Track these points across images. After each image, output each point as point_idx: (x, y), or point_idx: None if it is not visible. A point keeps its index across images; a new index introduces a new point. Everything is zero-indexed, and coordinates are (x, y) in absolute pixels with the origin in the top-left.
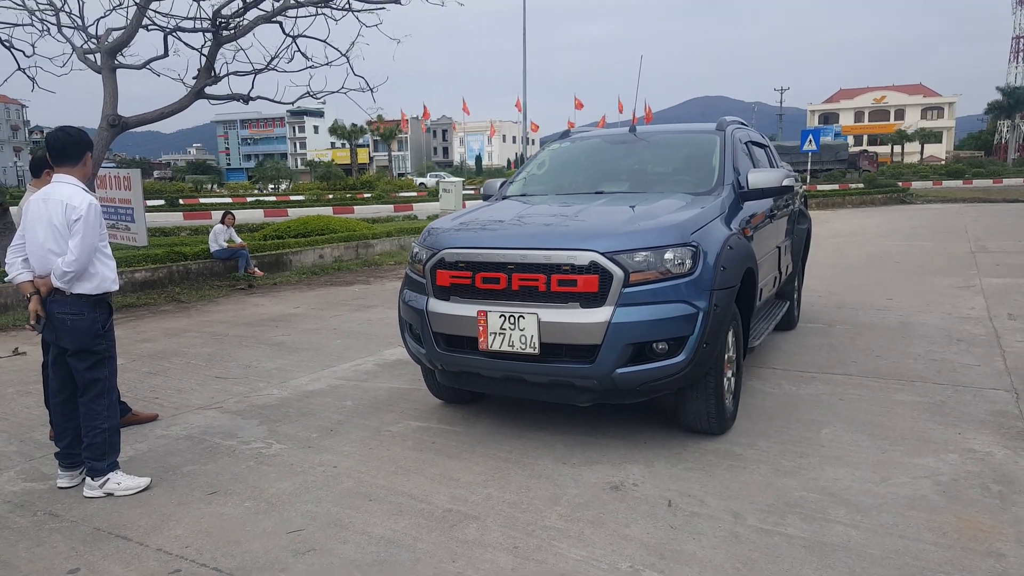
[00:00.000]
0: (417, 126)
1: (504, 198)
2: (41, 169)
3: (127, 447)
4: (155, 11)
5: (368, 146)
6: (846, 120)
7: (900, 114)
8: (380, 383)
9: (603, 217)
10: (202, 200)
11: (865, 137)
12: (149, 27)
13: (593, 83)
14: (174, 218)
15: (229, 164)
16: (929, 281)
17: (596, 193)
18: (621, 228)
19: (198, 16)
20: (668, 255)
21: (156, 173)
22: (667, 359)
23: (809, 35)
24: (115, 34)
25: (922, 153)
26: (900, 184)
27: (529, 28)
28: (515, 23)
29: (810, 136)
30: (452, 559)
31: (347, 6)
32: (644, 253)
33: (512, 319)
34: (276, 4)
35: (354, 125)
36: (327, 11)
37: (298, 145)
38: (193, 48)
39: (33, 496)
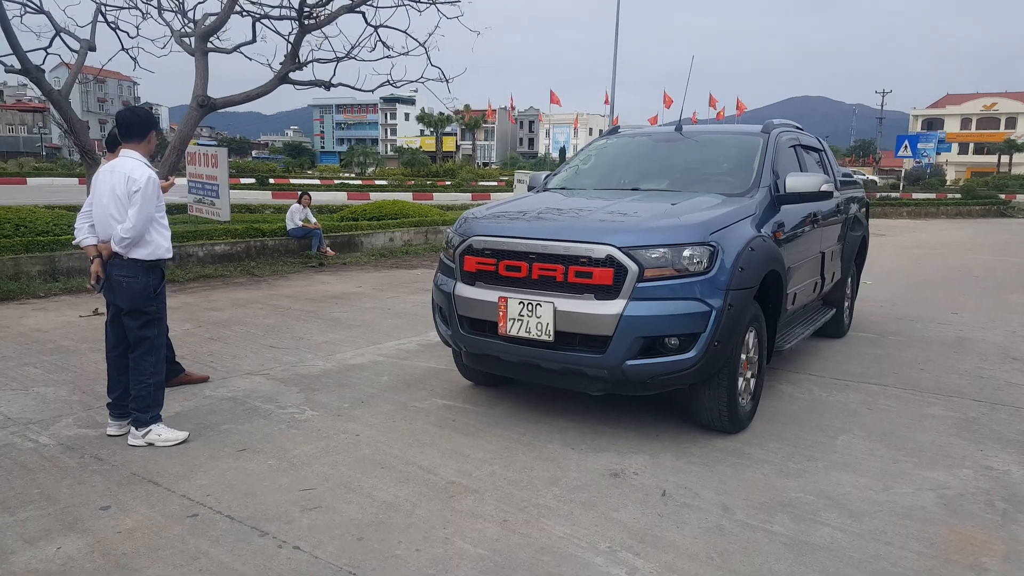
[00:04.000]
0: (504, 116)
1: (546, 190)
2: (115, 145)
3: (176, 403)
4: None
5: (455, 135)
6: (951, 127)
7: (1012, 122)
8: (419, 362)
9: (627, 213)
10: (292, 181)
11: (971, 145)
12: (243, 14)
13: (692, 77)
14: (263, 196)
15: (323, 147)
16: (1003, 298)
17: (632, 190)
18: (641, 224)
19: (287, 5)
20: (685, 253)
21: (254, 153)
22: (677, 355)
23: (918, 36)
24: (211, 19)
25: None
26: (1002, 196)
27: (627, 19)
28: (612, 14)
29: (905, 142)
30: (443, 525)
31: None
32: (661, 250)
33: (530, 306)
34: None
35: (441, 114)
36: (410, 2)
37: (389, 131)
38: (281, 35)
39: (84, 441)
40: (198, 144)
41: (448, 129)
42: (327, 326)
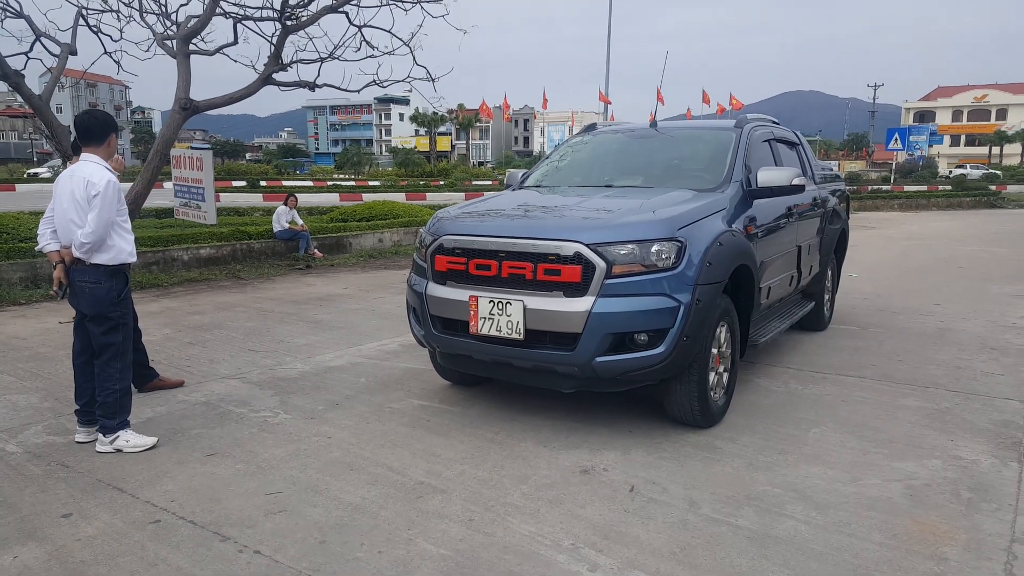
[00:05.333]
0: (499, 115)
1: (522, 187)
2: (80, 149)
3: (148, 409)
4: (227, 0)
5: (450, 134)
6: (943, 119)
7: (1002, 114)
8: (398, 363)
9: (596, 210)
10: (284, 183)
11: (963, 137)
12: (227, 15)
13: (684, 74)
14: (254, 199)
15: (317, 148)
16: (987, 288)
17: (605, 186)
18: (609, 221)
19: (268, 6)
20: (652, 249)
21: (248, 155)
22: (647, 350)
23: (909, 29)
24: (193, 21)
25: (1023, 155)
26: (993, 187)
27: (620, 16)
28: (605, 12)
29: (896, 135)
30: (408, 527)
31: None
32: (629, 246)
33: (500, 305)
34: None
35: (435, 113)
36: (394, 2)
37: (384, 132)
38: (264, 37)
39: (52, 448)
40: (192, 147)
41: (443, 129)
42: (309, 328)
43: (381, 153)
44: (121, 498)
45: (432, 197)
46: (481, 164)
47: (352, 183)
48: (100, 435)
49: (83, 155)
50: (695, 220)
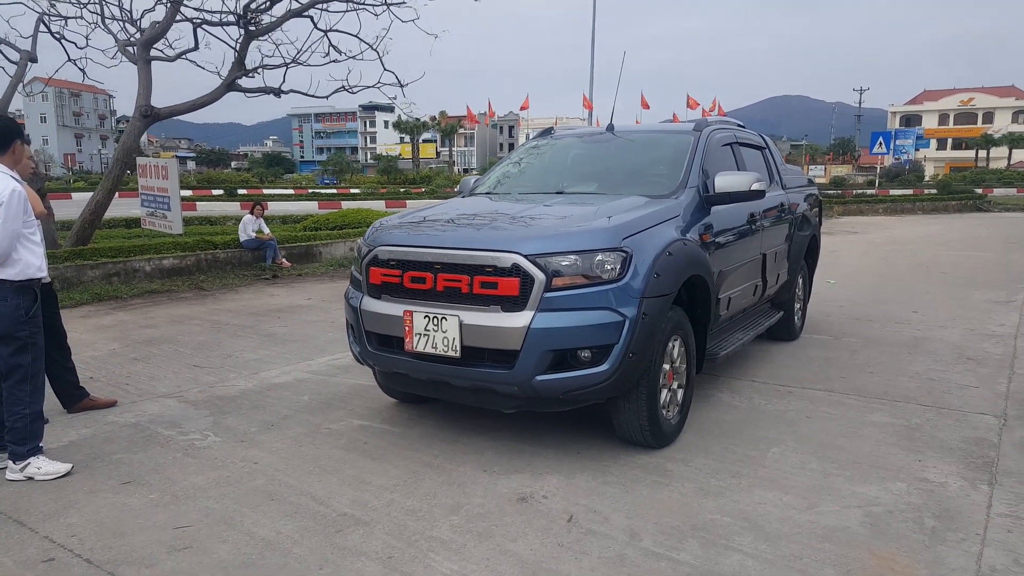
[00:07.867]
0: (483, 121)
1: (472, 194)
2: None
3: (72, 431)
4: (187, 5)
5: (435, 141)
6: (929, 123)
7: (989, 117)
8: (346, 379)
9: (540, 218)
10: (265, 191)
11: (949, 141)
12: (181, 20)
13: (671, 79)
14: (230, 207)
15: (302, 156)
16: (968, 294)
17: (556, 193)
18: (550, 230)
19: (229, 11)
20: (596, 259)
21: (233, 163)
22: (590, 368)
23: (895, 33)
24: (155, 27)
25: (1009, 158)
26: (979, 191)
27: (605, 23)
28: (590, 19)
29: (880, 139)
30: (320, 565)
31: (382, 2)
32: (570, 257)
33: (436, 320)
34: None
35: (416, 120)
36: (361, 6)
37: (369, 139)
38: (227, 44)
39: None
40: (176, 156)
41: (427, 136)
42: (262, 342)
43: (367, 160)
44: (19, 532)
45: (413, 204)
46: (467, 170)
47: (332, 191)
48: (10, 462)
49: None
50: (643, 229)
